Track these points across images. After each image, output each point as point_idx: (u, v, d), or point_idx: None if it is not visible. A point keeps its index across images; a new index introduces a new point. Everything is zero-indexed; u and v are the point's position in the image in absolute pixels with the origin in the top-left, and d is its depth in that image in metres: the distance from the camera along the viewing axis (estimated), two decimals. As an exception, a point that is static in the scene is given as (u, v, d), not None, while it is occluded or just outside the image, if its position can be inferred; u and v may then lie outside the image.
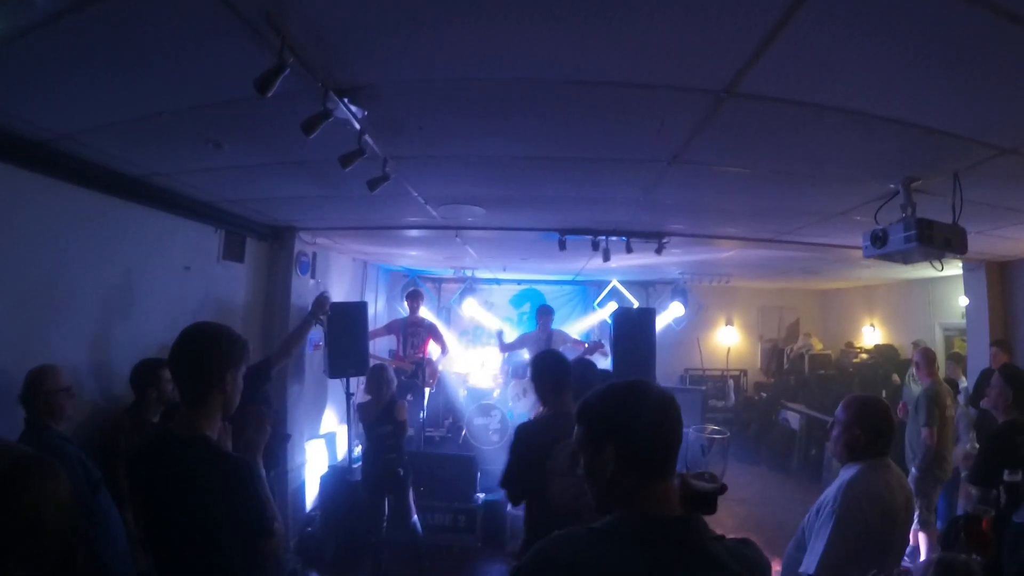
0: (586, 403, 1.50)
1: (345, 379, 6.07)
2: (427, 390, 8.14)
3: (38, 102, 2.87)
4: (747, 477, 8.67)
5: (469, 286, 9.68)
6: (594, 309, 10.27)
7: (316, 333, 6.65)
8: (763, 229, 5.55)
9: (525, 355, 8.30)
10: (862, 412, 2.62)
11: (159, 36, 2.22)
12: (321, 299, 4.86)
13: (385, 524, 5.31)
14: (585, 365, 4.41)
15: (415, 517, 5.35)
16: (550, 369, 3.38)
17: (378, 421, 5.25)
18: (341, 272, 7.97)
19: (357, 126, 2.89)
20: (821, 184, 3.84)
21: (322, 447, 7.22)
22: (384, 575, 5.28)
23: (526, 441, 3.22)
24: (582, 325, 10.02)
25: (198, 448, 2.08)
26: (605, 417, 1.45)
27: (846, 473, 2.59)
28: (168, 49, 2.32)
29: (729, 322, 11.65)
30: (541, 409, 3.48)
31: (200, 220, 5.15)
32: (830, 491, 2.58)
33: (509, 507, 5.83)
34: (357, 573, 5.58)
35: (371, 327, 7.16)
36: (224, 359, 2.13)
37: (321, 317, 4.82)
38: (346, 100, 2.65)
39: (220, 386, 2.11)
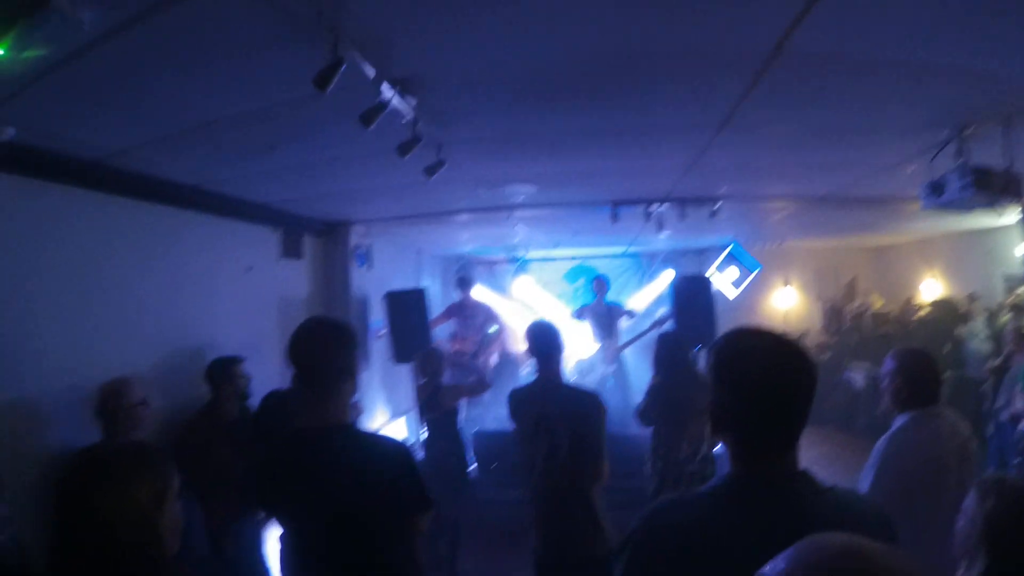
0: (713, 344, 1.44)
1: (411, 364, 6.15)
2: (488, 370, 8.24)
3: (90, 122, 2.95)
4: (812, 438, 8.32)
5: (521, 265, 9.67)
6: (649, 279, 10.18)
7: (377, 322, 6.80)
8: (816, 186, 5.41)
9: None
10: (904, 363, 2.68)
11: (208, 47, 2.29)
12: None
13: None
14: (676, 339, 4.56)
15: (456, 515, 5.18)
16: (541, 338, 3.49)
17: (427, 406, 5.22)
18: (396, 260, 8.07)
19: (412, 115, 2.92)
20: (872, 136, 3.74)
21: (400, 430, 7.38)
22: (441, 560, 5.20)
23: (509, 404, 3.54)
24: (638, 297, 9.90)
25: (348, 435, 2.15)
26: (712, 364, 1.39)
27: (895, 424, 2.68)
28: (219, 59, 2.39)
29: (786, 283, 11.41)
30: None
31: (257, 222, 5.30)
32: (878, 443, 2.68)
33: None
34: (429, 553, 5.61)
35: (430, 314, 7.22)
36: (352, 351, 2.19)
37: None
38: (398, 90, 2.68)
39: (351, 375, 2.17)
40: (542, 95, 2.94)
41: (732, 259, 9.45)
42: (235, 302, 4.89)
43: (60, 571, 1.40)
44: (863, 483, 2.60)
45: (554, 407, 3.30)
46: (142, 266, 4.01)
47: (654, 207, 5.63)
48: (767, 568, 0.74)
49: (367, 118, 2.62)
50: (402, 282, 7.62)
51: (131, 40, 2.14)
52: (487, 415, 7.99)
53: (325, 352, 2.14)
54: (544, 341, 3.47)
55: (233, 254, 5.03)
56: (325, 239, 6.45)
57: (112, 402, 3.15)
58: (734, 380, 1.35)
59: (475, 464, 6.49)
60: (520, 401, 3.51)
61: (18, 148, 3.01)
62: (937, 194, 3.58)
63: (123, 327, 3.82)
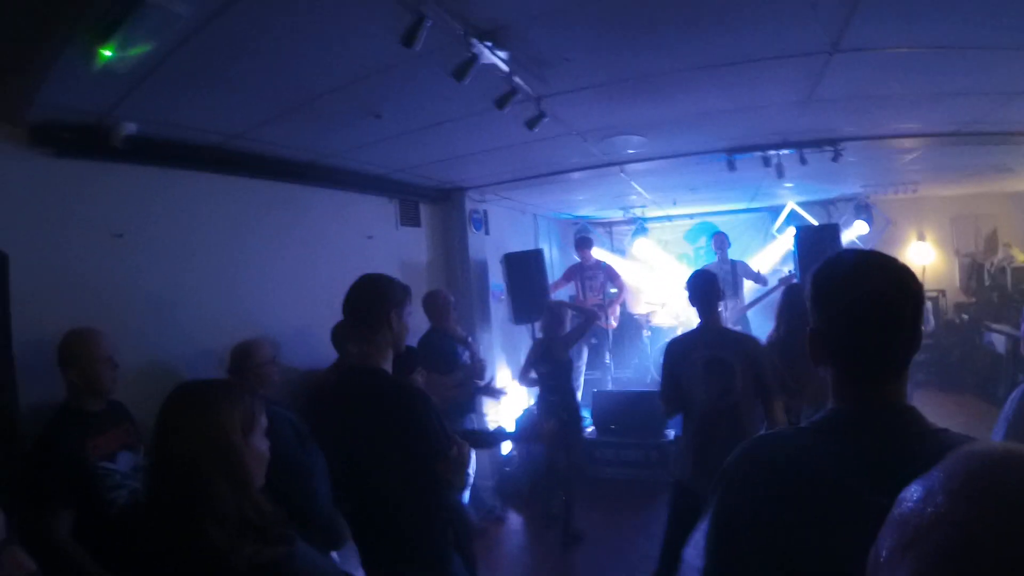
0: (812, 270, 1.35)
1: (531, 325, 6.25)
2: (610, 332, 8.22)
3: (203, 108, 3.17)
4: (950, 407, 7.81)
5: (640, 226, 9.49)
6: (774, 237, 9.69)
7: (497, 285, 6.94)
8: (945, 118, 4.85)
9: None
10: None
11: (299, 21, 2.39)
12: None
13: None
14: (800, 290, 4.35)
15: (570, 473, 5.19)
16: (702, 287, 3.72)
17: (540, 360, 5.19)
18: (513, 225, 8.19)
19: (505, 68, 2.93)
20: (1001, 53, 3.29)
21: (521, 390, 7.52)
22: (554, 519, 5.23)
23: (669, 352, 3.76)
24: (763, 255, 9.47)
25: (376, 377, 2.38)
26: (810, 289, 1.29)
27: None
28: (308, 31, 2.49)
29: (921, 237, 10.22)
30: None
31: (375, 192, 5.58)
32: (1013, 394, 2.40)
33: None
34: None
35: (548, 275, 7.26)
36: (388, 301, 2.40)
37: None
38: (489, 44, 2.69)
39: (388, 324, 2.38)
40: (633, 28, 2.81)
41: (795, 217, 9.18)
42: (360, 269, 5.08)
43: (151, 495, 1.51)
44: (994, 437, 2.34)
45: (727, 350, 3.53)
46: (268, 239, 4.36)
47: (772, 154, 5.34)
48: (911, 490, 0.64)
49: (459, 73, 2.66)
50: (520, 246, 7.70)
51: (227, 25, 2.29)
52: (606, 378, 8.00)
53: (364, 304, 2.40)
54: (706, 289, 3.70)
55: (356, 224, 5.35)
56: (441, 206, 6.65)
57: (241, 361, 3.32)
58: (832, 302, 1.25)
59: (593, 426, 6.54)
60: (683, 347, 3.71)
61: (143, 140, 3.31)
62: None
63: (257, 296, 4.14)
